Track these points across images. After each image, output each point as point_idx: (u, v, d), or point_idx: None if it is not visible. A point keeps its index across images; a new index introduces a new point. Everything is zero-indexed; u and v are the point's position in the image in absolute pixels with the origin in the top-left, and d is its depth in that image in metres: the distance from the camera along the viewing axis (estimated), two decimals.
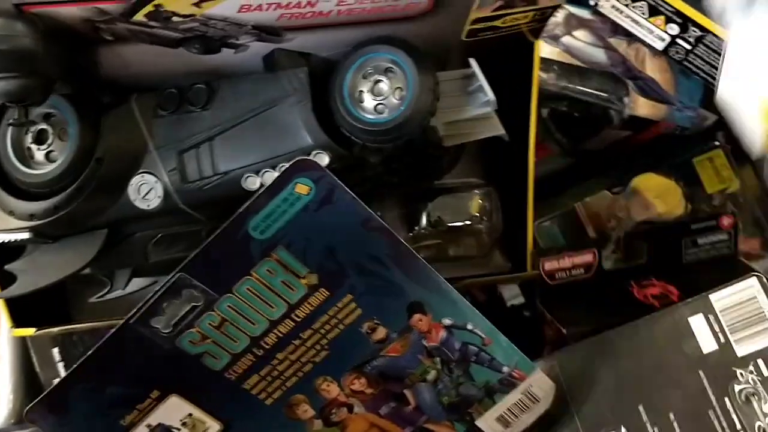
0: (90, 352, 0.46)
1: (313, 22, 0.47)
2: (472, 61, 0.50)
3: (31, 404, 0.46)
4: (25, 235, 0.50)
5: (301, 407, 0.50)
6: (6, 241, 0.50)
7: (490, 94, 0.50)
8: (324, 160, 0.48)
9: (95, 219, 0.50)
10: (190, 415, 0.48)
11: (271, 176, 0.48)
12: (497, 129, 0.52)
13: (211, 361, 0.47)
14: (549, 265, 0.59)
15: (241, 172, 0.49)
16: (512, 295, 0.66)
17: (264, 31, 0.47)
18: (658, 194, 0.63)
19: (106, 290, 0.55)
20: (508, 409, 0.52)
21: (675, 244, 0.60)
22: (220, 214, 0.46)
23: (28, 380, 0.64)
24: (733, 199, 0.64)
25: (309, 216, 0.45)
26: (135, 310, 0.45)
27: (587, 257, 0.59)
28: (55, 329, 0.57)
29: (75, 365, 0.46)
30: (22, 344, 0.64)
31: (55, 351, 0.64)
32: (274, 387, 0.49)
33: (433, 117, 0.49)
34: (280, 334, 0.47)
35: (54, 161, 0.49)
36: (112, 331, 0.46)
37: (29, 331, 0.56)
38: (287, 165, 0.44)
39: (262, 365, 0.48)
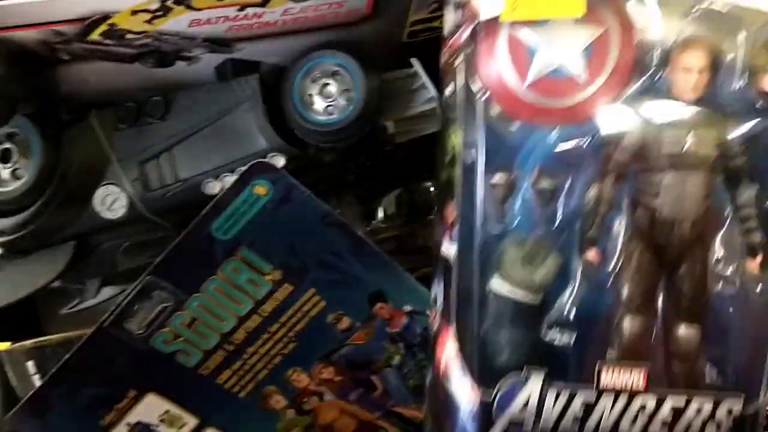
0: (67, 357, 0.48)
1: (261, 32, 0.49)
2: (415, 61, 0.53)
3: (12, 411, 0.48)
4: None
5: (274, 398, 0.52)
6: None
7: (433, 91, 0.52)
8: (280, 161, 0.50)
9: (63, 232, 0.52)
10: (168, 411, 0.50)
11: (230, 180, 0.50)
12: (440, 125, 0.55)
13: (185, 359, 0.49)
14: None
15: (201, 178, 0.51)
16: None
17: (215, 43, 0.49)
18: None
19: (77, 301, 0.57)
20: None
21: None
22: (184, 221, 0.48)
23: (5, 395, 0.65)
24: None
25: (269, 215, 0.47)
26: (108, 314, 0.47)
27: None
28: (29, 342, 0.58)
29: (53, 370, 0.48)
30: None
31: (30, 364, 0.64)
32: (247, 380, 0.51)
33: (381, 116, 0.51)
34: (249, 330, 0.50)
35: (20, 178, 0.51)
36: (87, 335, 0.48)
37: (4, 345, 0.58)
38: (244, 168, 0.46)
39: (233, 360, 0.50)
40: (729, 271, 0.39)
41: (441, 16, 0.49)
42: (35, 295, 0.54)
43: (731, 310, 0.40)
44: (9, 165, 0.51)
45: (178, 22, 0.46)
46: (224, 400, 0.51)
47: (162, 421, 0.51)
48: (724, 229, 0.39)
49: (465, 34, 0.40)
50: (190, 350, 0.49)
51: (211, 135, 0.51)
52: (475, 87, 0.39)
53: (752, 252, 0.39)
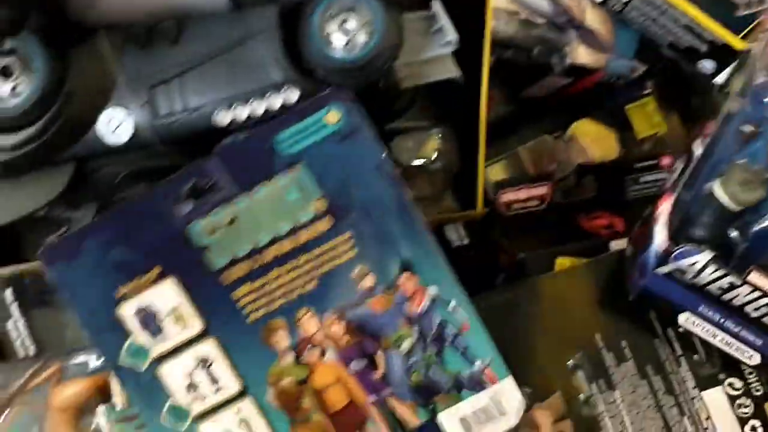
0: (113, 209, 0.51)
1: None
2: (435, 2, 0.53)
3: (46, 245, 0.51)
4: None
5: (279, 335, 0.52)
6: None
7: (453, 34, 0.52)
8: (295, 95, 0.51)
9: (65, 152, 0.52)
10: (178, 306, 0.52)
11: (242, 110, 0.51)
12: (452, 71, 0.56)
13: (212, 258, 0.51)
14: (506, 196, 0.62)
15: (211, 107, 0.51)
16: (458, 237, 0.68)
17: None
18: (594, 139, 0.66)
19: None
20: (474, 412, 0.53)
21: (619, 181, 0.65)
22: (189, 151, 0.51)
23: None
24: (662, 144, 0.66)
25: (332, 144, 0.51)
26: (165, 181, 0.50)
27: (542, 189, 0.62)
28: (8, 269, 0.59)
29: (96, 219, 0.51)
30: None
31: (8, 292, 0.65)
32: (260, 304, 0.52)
33: (401, 51, 0.51)
34: (280, 253, 0.52)
35: (20, 95, 0.50)
36: (138, 196, 0.51)
37: None
38: (326, 91, 0.50)
39: (255, 277, 0.52)
40: None
41: None
42: (34, 214, 0.54)
43: None
44: (9, 80, 0.50)
45: None
46: (231, 318, 0.52)
47: (170, 313, 0.52)
48: None
49: None
50: (220, 251, 0.51)
51: (224, 64, 0.51)
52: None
53: None
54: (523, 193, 0.64)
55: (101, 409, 0.57)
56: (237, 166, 0.51)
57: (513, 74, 0.66)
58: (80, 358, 0.59)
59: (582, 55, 0.64)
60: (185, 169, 0.51)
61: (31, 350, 0.64)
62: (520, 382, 0.54)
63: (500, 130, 0.69)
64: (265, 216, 0.51)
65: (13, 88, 0.51)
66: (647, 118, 0.67)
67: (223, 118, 0.51)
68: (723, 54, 0.60)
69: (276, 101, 0.51)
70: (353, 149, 0.51)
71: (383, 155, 0.51)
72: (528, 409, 0.55)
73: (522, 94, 0.68)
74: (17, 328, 0.64)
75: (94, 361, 0.59)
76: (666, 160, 0.65)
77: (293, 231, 0.51)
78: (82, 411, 0.58)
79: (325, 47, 0.51)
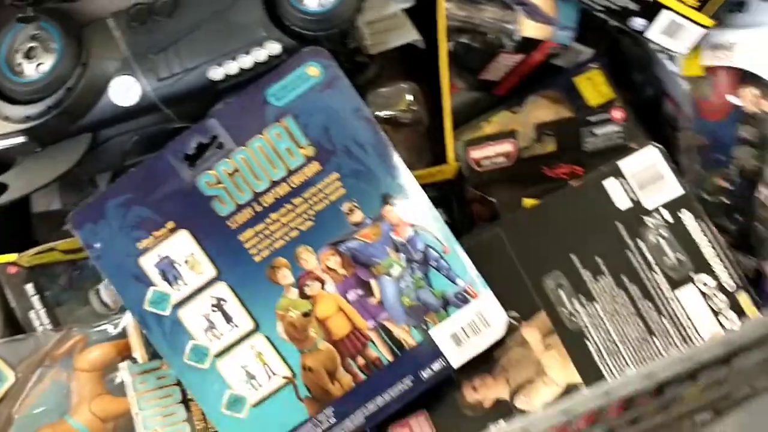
0: (129, 172, 0.59)
1: None
2: None
3: (74, 210, 0.58)
4: (21, 139, 0.60)
5: (282, 271, 0.59)
6: (2, 148, 0.60)
7: None
8: (276, 48, 0.59)
9: (82, 119, 0.60)
10: (193, 254, 0.59)
11: (232, 65, 0.59)
12: (413, 35, 0.64)
13: (219, 206, 0.59)
14: (474, 153, 0.68)
15: (205, 65, 0.59)
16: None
17: None
18: (549, 109, 0.72)
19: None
20: (462, 327, 0.60)
21: (575, 135, 0.71)
22: (190, 112, 0.59)
23: (6, 315, 0.71)
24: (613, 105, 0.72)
25: (315, 95, 0.58)
26: (172, 142, 0.58)
27: (507, 146, 0.69)
28: (33, 250, 0.66)
29: (116, 181, 0.59)
30: None
31: (29, 287, 0.71)
32: (264, 245, 0.59)
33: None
34: (278, 196, 0.59)
35: (44, 71, 0.59)
36: (150, 158, 0.59)
37: (11, 257, 0.66)
38: (305, 49, 0.59)
39: (257, 221, 0.59)
40: None
41: None
42: (54, 182, 0.62)
43: None
44: (33, 60, 0.60)
45: None
46: (240, 260, 0.58)
47: (186, 262, 0.59)
48: None
49: None
50: (226, 199, 0.58)
51: (213, 28, 0.59)
52: None
53: None
54: (489, 150, 0.71)
55: (124, 364, 0.62)
56: (233, 122, 0.58)
57: (470, 58, 0.75)
58: (101, 327, 0.65)
59: (529, 28, 0.72)
60: (188, 131, 0.58)
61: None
62: (506, 308, 0.60)
63: (466, 117, 0.77)
64: (262, 165, 0.58)
65: (37, 66, 0.60)
66: (596, 87, 0.75)
67: (215, 73, 0.59)
68: (651, 10, 0.68)
69: (261, 54, 0.59)
70: (333, 97, 0.58)
71: (359, 100, 0.59)
72: (516, 329, 0.61)
73: (480, 77, 0.76)
74: (39, 317, 0.71)
75: (112, 329, 0.65)
76: (617, 113, 0.72)
77: (287, 176, 0.59)
78: (107, 371, 0.64)
79: (299, 3, 0.59)
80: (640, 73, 0.79)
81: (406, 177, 0.59)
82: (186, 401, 0.62)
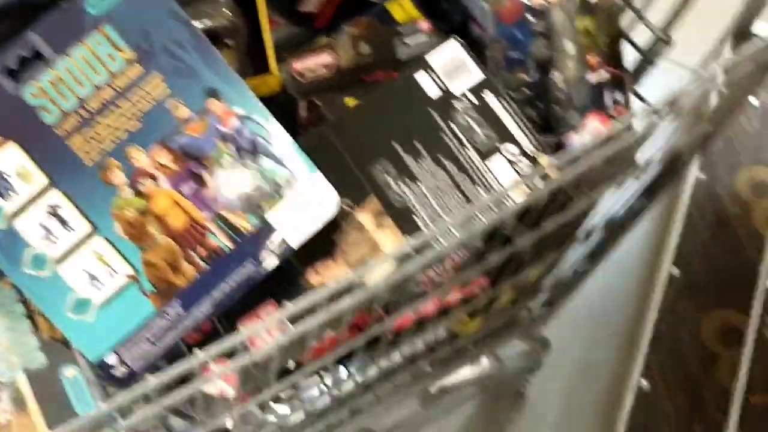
0: None
1: None
2: None
3: None
4: None
5: (114, 172, 0.61)
6: None
7: None
8: None
9: None
10: (23, 165, 0.60)
11: None
12: None
13: (45, 115, 0.60)
14: (297, 65, 0.73)
15: None
16: None
17: None
18: (362, 33, 0.79)
19: None
20: (296, 208, 0.63)
21: (389, 45, 0.77)
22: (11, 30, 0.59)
23: None
24: None
25: (131, 1, 0.62)
26: None
27: (327, 57, 0.74)
28: None
29: None
30: None
31: None
32: (94, 149, 0.61)
33: None
34: (103, 101, 0.61)
35: None
36: None
37: None
38: None
39: (85, 125, 0.61)
40: None
41: None
42: None
43: None
44: None
45: None
46: (72, 165, 0.60)
47: (18, 174, 0.60)
48: None
49: None
50: (51, 108, 0.60)
51: None
52: None
53: None
54: (310, 62, 0.75)
55: None
56: (53, 34, 0.61)
57: None
58: None
59: None
60: (10, 44, 0.60)
61: None
62: (340, 196, 0.64)
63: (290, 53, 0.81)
64: (84, 71, 0.61)
65: None
66: (405, 11, 0.81)
67: None
68: None
69: None
70: (148, 2, 0.62)
71: (173, 2, 0.62)
72: (350, 214, 0.65)
73: (299, 11, 0.81)
74: None
75: None
76: (424, 24, 0.79)
77: (110, 80, 0.61)
78: None
79: None
80: (446, 2, 0.86)
81: (229, 73, 0.63)
82: (32, 316, 0.63)
